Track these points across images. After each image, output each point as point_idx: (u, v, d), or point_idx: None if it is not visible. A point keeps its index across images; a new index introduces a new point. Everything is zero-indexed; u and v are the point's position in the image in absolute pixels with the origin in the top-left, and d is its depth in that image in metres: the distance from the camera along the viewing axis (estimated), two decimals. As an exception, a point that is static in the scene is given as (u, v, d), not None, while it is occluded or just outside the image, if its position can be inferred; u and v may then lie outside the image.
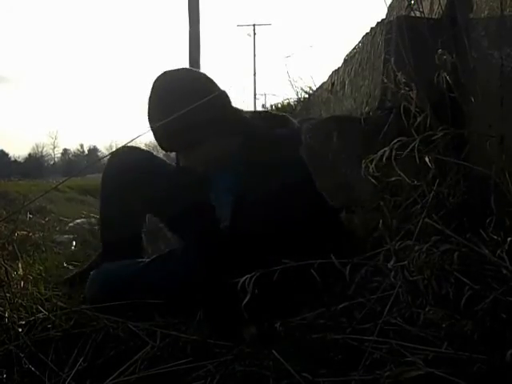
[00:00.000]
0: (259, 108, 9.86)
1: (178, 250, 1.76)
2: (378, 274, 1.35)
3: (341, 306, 1.29)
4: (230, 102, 1.76)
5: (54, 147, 61.43)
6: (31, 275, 2.02)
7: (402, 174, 1.22)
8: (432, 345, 1.00)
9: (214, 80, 1.77)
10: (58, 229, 4.11)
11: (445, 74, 1.43)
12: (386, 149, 1.17)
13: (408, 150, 1.18)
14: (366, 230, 1.67)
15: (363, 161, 1.21)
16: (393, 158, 1.17)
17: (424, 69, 1.62)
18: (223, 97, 1.73)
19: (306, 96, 5.05)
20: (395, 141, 1.19)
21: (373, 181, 1.19)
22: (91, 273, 1.82)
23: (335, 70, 3.25)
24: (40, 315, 1.55)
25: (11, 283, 1.64)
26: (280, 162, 1.58)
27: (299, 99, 5.64)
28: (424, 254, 1.09)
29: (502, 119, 1.58)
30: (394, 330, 1.13)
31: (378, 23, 2.34)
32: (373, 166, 1.16)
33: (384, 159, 1.16)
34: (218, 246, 1.60)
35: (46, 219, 4.64)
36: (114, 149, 1.66)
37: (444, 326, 1.00)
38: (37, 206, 5.67)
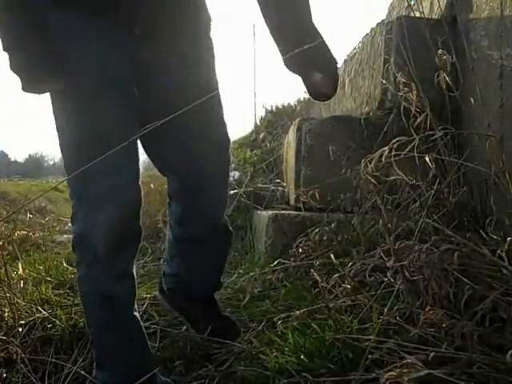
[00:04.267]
0: (259, 109, 9.80)
1: None
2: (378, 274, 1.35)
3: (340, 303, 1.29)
4: None
5: (55, 147, 61.67)
6: (31, 275, 2.02)
7: (401, 173, 1.22)
8: (432, 345, 1.00)
9: None
10: (58, 229, 4.11)
11: (445, 74, 1.43)
12: (385, 148, 1.17)
13: (407, 150, 1.18)
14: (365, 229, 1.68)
15: (362, 160, 1.21)
16: (392, 157, 1.17)
17: (424, 69, 1.62)
18: None
19: (306, 96, 5.05)
20: (394, 140, 1.19)
21: (372, 180, 1.19)
22: None
23: (335, 70, 3.25)
24: (40, 315, 1.55)
25: (11, 283, 1.63)
26: None
27: (299, 99, 5.64)
28: (424, 254, 1.09)
29: (502, 119, 1.58)
30: (393, 330, 1.13)
31: (378, 23, 2.34)
32: (372, 165, 1.15)
33: (383, 159, 1.15)
34: None
35: (46, 219, 4.64)
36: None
37: (444, 326, 1.00)
38: (37, 206, 5.67)
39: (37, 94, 1.10)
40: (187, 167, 1.29)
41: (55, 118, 1.15)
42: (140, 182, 1.20)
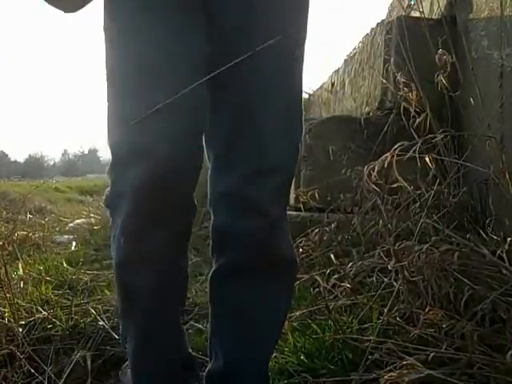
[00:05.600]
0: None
1: None
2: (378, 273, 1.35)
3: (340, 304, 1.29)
4: None
5: (54, 147, 61.88)
6: (31, 275, 2.02)
7: (401, 180, 1.21)
8: (432, 345, 1.00)
9: None
10: (58, 229, 4.10)
11: (445, 74, 1.43)
12: (387, 155, 1.16)
13: (410, 153, 1.18)
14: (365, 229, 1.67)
15: (365, 168, 1.20)
16: (394, 160, 1.16)
17: (424, 69, 1.62)
18: None
19: (306, 96, 5.05)
20: (396, 146, 1.19)
21: (375, 188, 1.18)
22: None
23: (335, 70, 3.25)
24: (40, 315, 1.55)
25: (11, 283, 1.63)
26: None
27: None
28: (424, 254, 1.09)
29: (502, 119, 1.58)
30: (393, 331, 1.14)
31: (378, 23, 2.34)
32: (375, 173, 1.15)
33: (386, 164, 1.15)
34: None
35: (46, 219, 4.63)
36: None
37: (444, 326, 1.00)
38: (37, 206, 5.67)
39: (62, 11, 0.90)
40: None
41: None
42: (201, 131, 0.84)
